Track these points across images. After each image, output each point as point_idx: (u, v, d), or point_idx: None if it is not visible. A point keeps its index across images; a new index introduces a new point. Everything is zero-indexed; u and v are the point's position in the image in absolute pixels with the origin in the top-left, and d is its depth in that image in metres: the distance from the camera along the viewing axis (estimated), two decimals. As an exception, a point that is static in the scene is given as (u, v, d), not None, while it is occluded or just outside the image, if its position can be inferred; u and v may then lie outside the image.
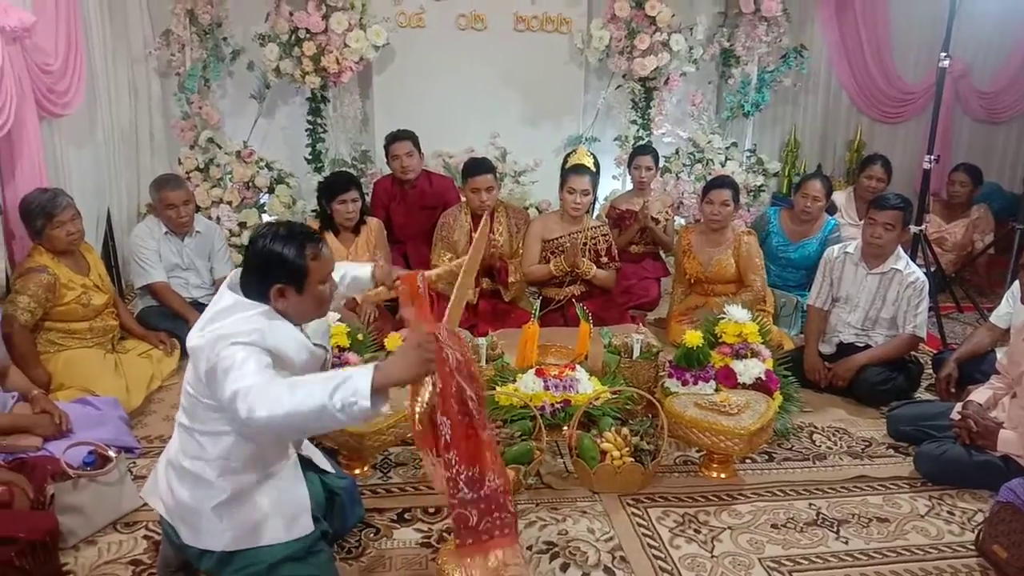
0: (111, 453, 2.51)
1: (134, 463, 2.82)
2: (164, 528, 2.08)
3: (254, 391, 1.69)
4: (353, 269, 2.43)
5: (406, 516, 2.59)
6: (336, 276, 2.14)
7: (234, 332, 1.82)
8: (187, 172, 4.87)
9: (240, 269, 2.00)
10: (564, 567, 2.35)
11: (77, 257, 3.31)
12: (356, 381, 1.64)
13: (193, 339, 1.88)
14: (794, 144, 6.15)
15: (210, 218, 4.58)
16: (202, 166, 4.96)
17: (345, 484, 2.31)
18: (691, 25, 5.44)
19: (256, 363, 1.76)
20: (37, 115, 3.54)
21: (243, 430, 1.87)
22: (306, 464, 2.16)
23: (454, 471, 1.82)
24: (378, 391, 1.65)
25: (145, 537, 2.43)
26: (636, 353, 3.22)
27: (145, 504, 2.54)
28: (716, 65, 5.87)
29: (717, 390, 3.04)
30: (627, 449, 2.74)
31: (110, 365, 3.26)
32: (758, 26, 5.56)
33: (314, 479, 2.15)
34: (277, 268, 1.89)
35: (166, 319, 3.78)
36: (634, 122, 5.57)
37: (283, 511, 1.99)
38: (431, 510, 2.62)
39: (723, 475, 2.89)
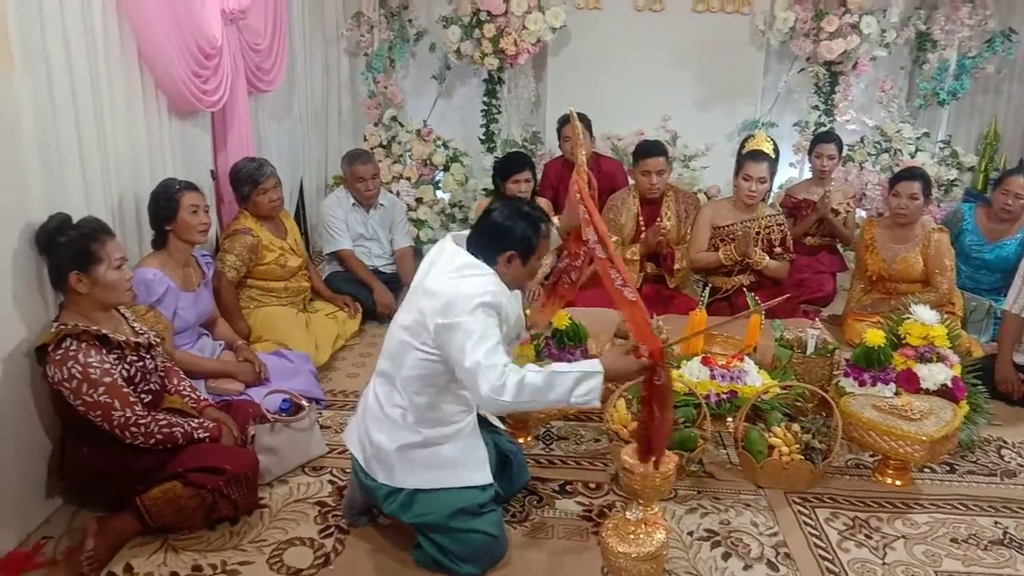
0: (304, 402, 2.74)
1: (320, 414, 3.06)
2: (355, 471, 2.28)
3: (500, 376, 1.96)
4: None
5: (567, 488, 2.65)
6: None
7: (476, 292, 2.03)
8: (371, 148, 5.15)
9: (457, 233, 2.25)
10: (725, 556, 2.33)
11: (277, 222, 3.61)
12: (593, 383, 1.99)
13: (432, 282, 2.12)
14: (994, 136, 5.64)
15: (390, 192, 4.83)
16: (385, 143, 5.23)
17: (515, 448, 2.43)
18: (884, 7, 5.12)
19: (495, 339, 2.02)
20: (247, 91, 3.86)
21: (456, 390, 2.13)
22: (482, 423, 2.30)
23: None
24: None
25: (330, 482, 2.63)
26: (810, 349, 3.11)
27: (331, 451, 2.78)
28: (910, 49, 5.50)
29: (897, 393, 2.90)
30: (797, 446, 2.66)
31: (301, 323, 3.55)
32: (960, 8, 5.17)
33: (488, 439, 2.28)
34: (514, 238, 2.13)
35: (351, 284, 4.05)
36: (816, 108, 5.33)
37: (467, 459, 2.17)
38: (592, 485, 2.67)
39: (899, 482, 2.75)
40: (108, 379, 2.23)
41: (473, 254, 2.14)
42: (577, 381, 1.99)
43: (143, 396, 2.37)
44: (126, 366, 2.34)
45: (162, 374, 2.53)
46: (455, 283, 2.07)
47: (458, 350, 2.00)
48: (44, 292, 2.39)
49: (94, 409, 2.22)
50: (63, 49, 2.44)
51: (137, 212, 2.96)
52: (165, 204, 2.86)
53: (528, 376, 1.98)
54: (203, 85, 3.26)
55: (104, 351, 2.27)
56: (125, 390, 2.27)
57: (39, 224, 2.31)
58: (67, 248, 2.27)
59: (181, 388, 2.61)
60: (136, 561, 2.23)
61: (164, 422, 2.32)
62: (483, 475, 2.20)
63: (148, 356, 2.43)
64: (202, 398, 2.64)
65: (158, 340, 2.53)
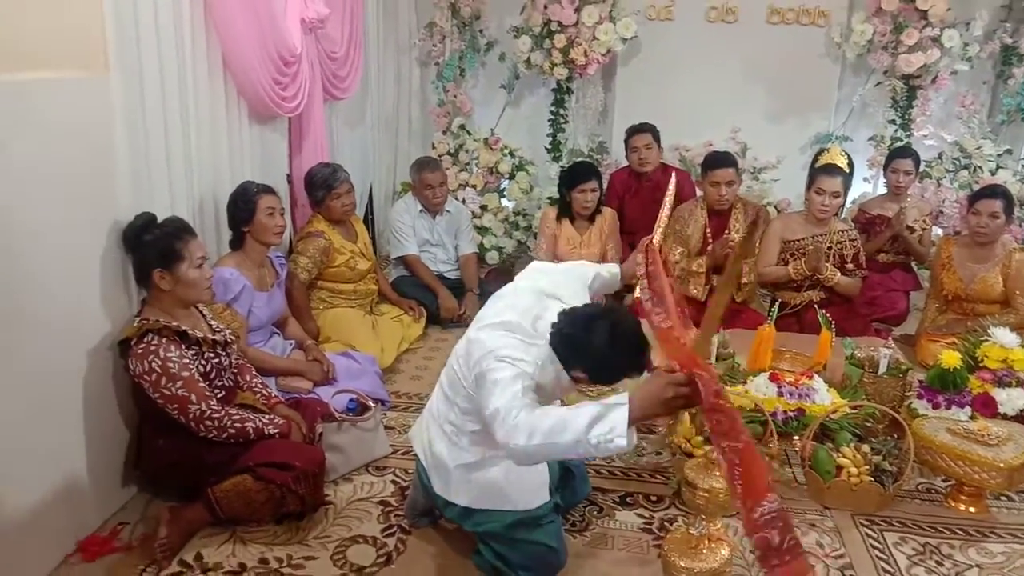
0: (370, 403, 2.79)
1: (384, 414, 3.10)
2: (419, 473, 2.30)
3: (513, 417, 1.77)
4: (602, 270, 2.48)
5: (628, 500, 2.64)
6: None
7: (512, 356, 1.90)
8: (439, 156, 5.22)
9: (543, 283, 2.13)
10: (790, 576, 2.29)
11: (348, 226, 3.69)
12: (614, 417, 1.65)
13: (475, 332, 2.03)
14: (1082, 154, 5.41)
15: (456, 199, 4.89)
16: (452, 151, 5.30)
17: (578, 461, 2.42)
18: (968, 20, 4.96)
19: (522, 387, 1.84)
20: (323, 98, 3.96)
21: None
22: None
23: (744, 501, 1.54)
24: (630, 425, 1.67)
25: (393, 482, 2.68)
26: (883, 368, 3.03)
27: (394, 452, 2.83)
28: (994, 63, 5.30)
29: (973, 418, 2.81)
30: (866, 467, 2.60)
31: (368, 325, 3.62)
32: (1051, 20, 4.96)
33: (553, 453, 2.26)
34: (606, 369, 1.94)
35: (416, 288, 4.13)
36: (892, 122, 5.18)
37: (523, 481, 2.12)
38: (653, 498, 2.65)
39: (972, 509, 2.66)
40: (186, 373, 2.31)
41: (555, 339, 1.95)
42: (595, 418, 1.66)
43: (217, 391, 2.45)
44: (203, 362, 2.42)
45: (235, 371, 2.61)
46: (492, 336, 1.96)
47: (485, 396, 1.89)
48: (128, 288, 2.49)
49: (171, 402, 2.30)
50: (155, 57, 2.55)
51: (216, 213, 3.06)
52: (243, 206, 2.95)
53: (539, 414, 1.75)
54: (282, 92, 3.36)
55: (183, 347, 2.36)
56: (201, 385, 2.35)
57: (126, 223, 2.41)
58: (152, 246, 2.37)
59: (253, 385, 2.69)
60: (206, 551, 2.30)
61: (237, 417, 2.40)
62: (538, 498, 2.16)
63: (224, 353, 2.52)
64: (272, 395, 2.71)
65: (233, 338, 2.61)
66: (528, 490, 2.15)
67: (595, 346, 1.88)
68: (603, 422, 1.66)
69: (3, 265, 1.98)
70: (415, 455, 2.33)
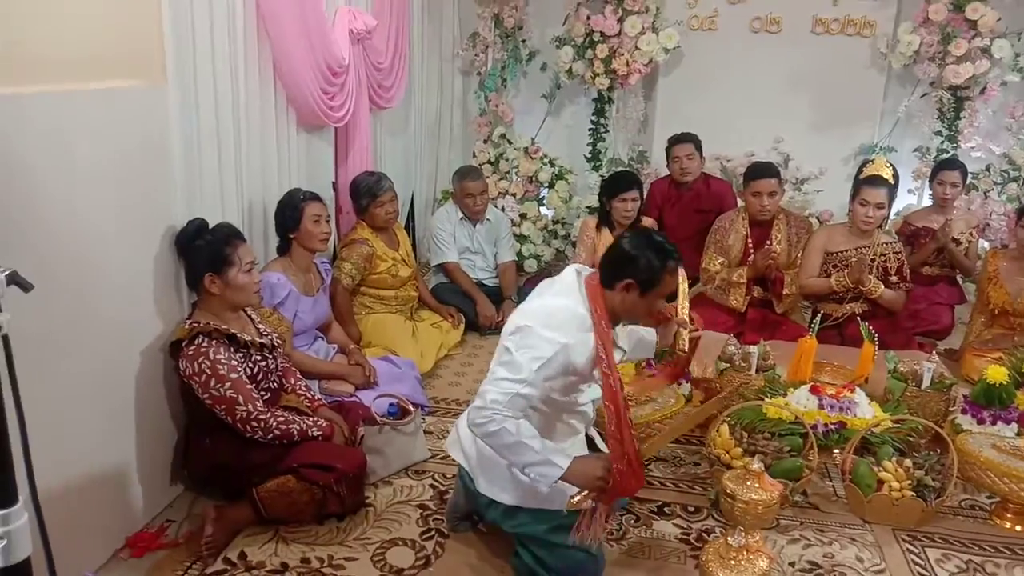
0: (411, 407, 2.83)
1: (424, 419, 3.14)
2: (461, 476, 2.34)
3: (499, 403, 1.98)
4: (643, 333, 2.53)
5: (666, 510, 2.64)
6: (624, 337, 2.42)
7: (553, 325, 2.05)
8: (480, 164, 5.27)
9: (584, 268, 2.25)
10: (828, 590, 2.28)
11: (390, 233, 3.75)
12: (549, 470, 1.99)
13: (515, 319, 2.14)
14: None
15: (496, 207, 4.93)
16: (493, 159, 5.35)
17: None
18: (1020, 30, 4.86)
19: (527, 392, 2.01)
20: (368, 107, 4.03)
21: (554, 418, 2.20)
22: (589, 444, 2.31)
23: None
24: (556, 481, 2.00)
25: (432, 486, 2.72)
26: (926, 383, 2.99)
27: (433, 456, 2.87)
28: (1046, 75, 5.20)
29: (1019, 434, 2.77)
30: (908, 482, 2.57)
31: (408, 330, 3.67)
32: (1106, 30, 4.85)
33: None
34: (637, 267, 2.11)
35: (455, 296, 4.18)
36: (939, 133, 5.11)
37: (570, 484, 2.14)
38: (691, 508, 2.65)
39: (1019, 527, 2.61)
40: (234, 375, 2.37)
41: (601, 280, 2.15)
42: (536, 462, 1.99)
43: (263, 393, 2.51)
44: (250, 364, 2.48)
45: (281, 374, 2.67)
46: (535, 309, 2.14)
47: (500, 363, 2.07)
48: (180, 291, 2.57)
49: (220, 403, 2.36)
50: (209, 68, 2.62)
51: (265, 219, 3.13)
52: (290, 213, 3.02)
53: (510, 426, 1.97)
54: (330, 101, 3.43)
55: (232, 349, 2.42)
56: (249, 387, 2.41)
57: (179, 228, 2.49)
58: (203, 251, 2.44)
59: (298, 387, 2.75)
60: (250, 549, 2.35)
61: (282, 419, 2.45)
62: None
63: (271, 356, 2.58)
64: (316, 398, 2.77)
65: (280, 341, 2.67)
66: (574, 491, 2.16)
67: (628, 246, 2.14)
68: (539, 469, 2.00)
69: (72, 269, 2.06)
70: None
